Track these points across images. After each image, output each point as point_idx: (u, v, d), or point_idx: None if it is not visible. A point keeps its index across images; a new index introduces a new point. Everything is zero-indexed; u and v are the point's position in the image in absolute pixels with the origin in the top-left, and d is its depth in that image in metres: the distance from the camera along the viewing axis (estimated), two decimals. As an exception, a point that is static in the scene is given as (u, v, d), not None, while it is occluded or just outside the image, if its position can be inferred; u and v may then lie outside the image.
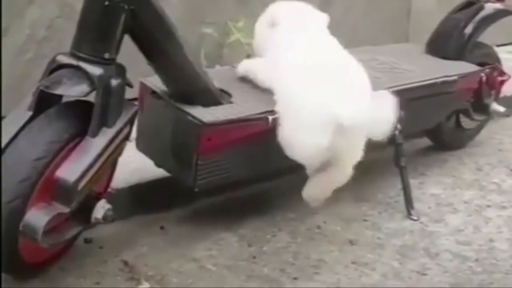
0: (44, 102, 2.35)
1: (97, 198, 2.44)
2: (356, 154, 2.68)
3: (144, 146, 2.81)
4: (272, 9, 2.96)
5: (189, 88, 2.68)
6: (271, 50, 2.85)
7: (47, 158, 2.26)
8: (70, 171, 2.27)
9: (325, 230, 2.91)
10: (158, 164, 2.78)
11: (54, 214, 2.26)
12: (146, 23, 2.46)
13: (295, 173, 2.78)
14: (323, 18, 2.96)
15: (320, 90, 2.61)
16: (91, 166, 2.30)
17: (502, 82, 3.62)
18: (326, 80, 2.64)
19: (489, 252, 2.84)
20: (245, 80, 2.94)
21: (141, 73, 2.72)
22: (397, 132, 3.07)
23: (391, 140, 3.07)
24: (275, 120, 2.66)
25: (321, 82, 2.63)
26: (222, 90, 2.80)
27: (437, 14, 3.78)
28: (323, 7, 4.12)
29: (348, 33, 4.02)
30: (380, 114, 2.68)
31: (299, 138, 2.60)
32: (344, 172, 2.70)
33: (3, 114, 2.56)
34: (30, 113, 2.34)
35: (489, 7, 3.59)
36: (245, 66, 2.98)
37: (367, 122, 2.62)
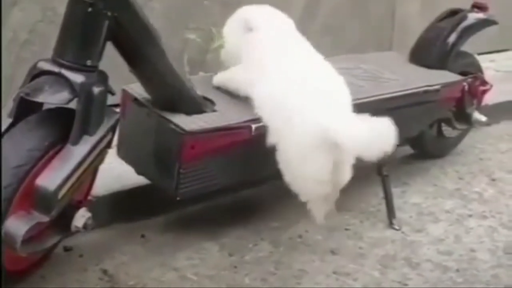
0: (25, 108, 2.32)
1: (78, 206, 2.41)
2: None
3: (125, 154, 2.78)
4: (243, 14, 2.92)
5: (172, 95, 2.66)
6: (250, 57, 2.81)
7: (27, 165, 2.23)
8: (50, 179, 2.24)
9: (307, 240, 2.90)
10: (140, 172, 2.76)
11: (33, 223, 2.22)
12: (129, 30, 2.44)
13: (278, 181, 2.76)
14: (291, 22, 2.95)
15: (313, 107, 2.59)
16: (71, 174, 2.27)
17: (484, 92, 3.64)
18: (318, 96, 2.63)
19: (470, 262, 2.85)
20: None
21: (123, 80, 2.70)
22: (379, 141, 3.08)
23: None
24: (258, 129, 2.65)
25: (314, 97, 2.62)
26: (205, 98, 2.79)
27: (421, 22, 3.78)
28: (306, 14, 4.14)
29: (332, 40, 4.03)
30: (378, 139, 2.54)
31: (302, 173, 2.58)
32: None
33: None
34: (10, 120, 2.31)
35: (472, 17, 3.60)
36: (221, 78, 2.92)
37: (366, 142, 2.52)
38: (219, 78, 2.94)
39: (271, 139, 2.62)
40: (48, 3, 3.26)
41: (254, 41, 2.83)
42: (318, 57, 2.84)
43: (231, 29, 2.93)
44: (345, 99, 2.72)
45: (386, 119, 2.53)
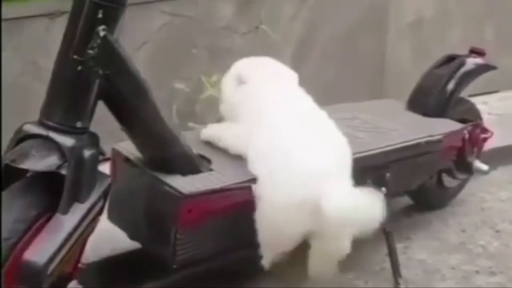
0: (10, 175, 2.15)
1: (68, 278, 2.25)
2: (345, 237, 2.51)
3: (116, 217, 2.60)
4: (237, 66, 2.80)
5: (166, 154, 2.50)
6: (246, 110, 2.68)
7: (13, 238, 2.05)
8: (39, 253, 2.06)
9: (310, 303, 2.73)
10: (133, 237, 2.58)
11: (21, 301, 2.04)
12: (122, 88, 2.30)
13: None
14: (293, 75, 2.82)
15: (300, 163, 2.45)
16: (62, 246, 2.10)
17: (484, 139, 3.52)
18: (309, 150, 2.49)
19: (483, 326, 2.70)
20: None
21: (113, 136, 2.52)
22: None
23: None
24: (259, 189, 2.50)
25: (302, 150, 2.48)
26: (200, 156, 2.62)
27: (411, 69, 3.67)
28: (295, 64, 4.02)
29: (321, 88, 3.90)
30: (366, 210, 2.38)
31: (273, 222, 2.44)
32: (340, 245, 2.52)
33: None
34: (-7, 188, 2.14)
35: (470, 62, 3.48)
36: (210, 132, 2.79)
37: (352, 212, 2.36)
38: (208, 133, 2.79)
39: (257, 191, 2.48)
40: (28, 55, 3.09)
41: (248, 94, 2.70)
42: (318, 111, 2.70)
43: (227, 86, 2.80)
44: (343, 158, 2.58)
45: (375, 192, 2.40)
